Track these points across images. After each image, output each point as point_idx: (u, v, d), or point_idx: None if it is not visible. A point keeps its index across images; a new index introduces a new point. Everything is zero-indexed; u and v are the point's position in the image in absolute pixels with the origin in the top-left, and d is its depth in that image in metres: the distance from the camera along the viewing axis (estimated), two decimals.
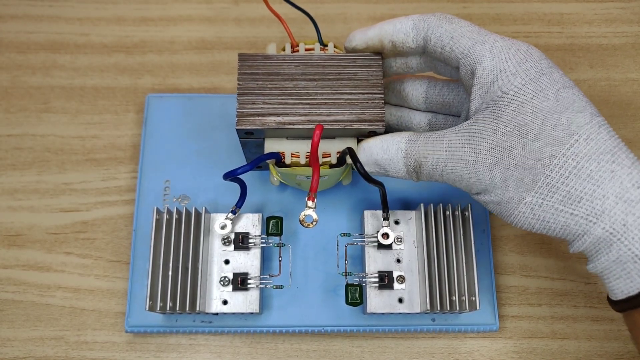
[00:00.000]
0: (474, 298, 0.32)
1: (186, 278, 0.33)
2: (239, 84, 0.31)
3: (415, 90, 0.34)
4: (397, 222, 0.35)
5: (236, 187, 0.33)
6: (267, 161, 0.31)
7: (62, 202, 0.39)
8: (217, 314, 0.34)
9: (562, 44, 0.45)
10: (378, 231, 0.33)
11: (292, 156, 0.31)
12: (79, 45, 0.44)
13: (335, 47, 0.34)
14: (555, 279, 0.38)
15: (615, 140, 0.26)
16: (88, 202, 0.39)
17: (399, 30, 0.30)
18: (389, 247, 0.34)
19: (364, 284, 0.33)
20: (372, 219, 0.35)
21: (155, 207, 0.33)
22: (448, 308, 0.32)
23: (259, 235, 0.35)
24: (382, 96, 0.31)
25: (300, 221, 0.28)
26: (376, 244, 0.34)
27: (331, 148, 0.32)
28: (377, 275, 0.33)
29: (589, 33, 0.45)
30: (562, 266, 0.38)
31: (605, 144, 0.26)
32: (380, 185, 0.30)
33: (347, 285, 0.33)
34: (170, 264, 0.33)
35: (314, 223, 0.28)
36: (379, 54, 0.32)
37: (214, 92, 0.43)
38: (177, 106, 0.41)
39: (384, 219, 0.33)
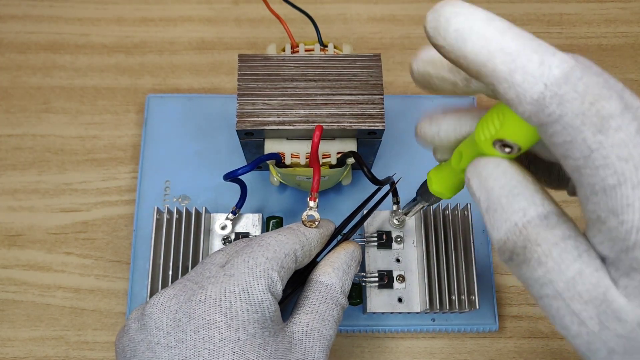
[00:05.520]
0: (473, 298, 0.32)
1: None
2: (239, 85, 0.31)
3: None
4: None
5: (236, 187, 0.33)
6: (267, 162, 0.31)
7: (62, 202, 0.39)
8: None
9: (561, 45, 0.45)
10: (401, 212, 0.33)
11: (292, 157, 0.31)
12: (79, 45, 0.44)
13: (335, 47, 0.34)
14: None
15: None
16: (88, 202, 0.39)
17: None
18: (389, 246, 0.34)
19: (363, 284, 0.33)
20: (372, 218, 0.35)
21: (156, 207, 0.34)
22: (448, 308, 0.32)
23: None
24: (382, 96, 0.31)
25: (302, 221, 0.28)
26: (376, 243, 0.34)
27: (331, 149, 0.32)
28: (376, 274, 0.33)
29: (588, 33, 0.45)
30: None
31: None
32: (389, 182, 0.31)
33: None
34: (171, 264, 0.33)
35: (316, 223, 0.28)
36: (378, 54, 0.32)
37: (214, 92, 0.43)
38: (177, 106, 0.41)
39: (396, 203, 0.34)
